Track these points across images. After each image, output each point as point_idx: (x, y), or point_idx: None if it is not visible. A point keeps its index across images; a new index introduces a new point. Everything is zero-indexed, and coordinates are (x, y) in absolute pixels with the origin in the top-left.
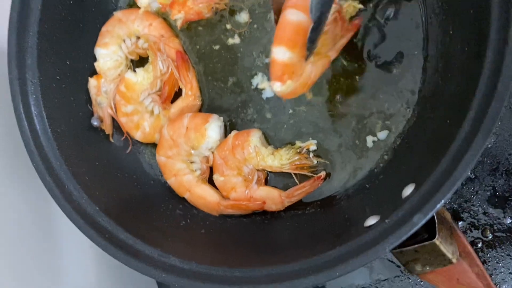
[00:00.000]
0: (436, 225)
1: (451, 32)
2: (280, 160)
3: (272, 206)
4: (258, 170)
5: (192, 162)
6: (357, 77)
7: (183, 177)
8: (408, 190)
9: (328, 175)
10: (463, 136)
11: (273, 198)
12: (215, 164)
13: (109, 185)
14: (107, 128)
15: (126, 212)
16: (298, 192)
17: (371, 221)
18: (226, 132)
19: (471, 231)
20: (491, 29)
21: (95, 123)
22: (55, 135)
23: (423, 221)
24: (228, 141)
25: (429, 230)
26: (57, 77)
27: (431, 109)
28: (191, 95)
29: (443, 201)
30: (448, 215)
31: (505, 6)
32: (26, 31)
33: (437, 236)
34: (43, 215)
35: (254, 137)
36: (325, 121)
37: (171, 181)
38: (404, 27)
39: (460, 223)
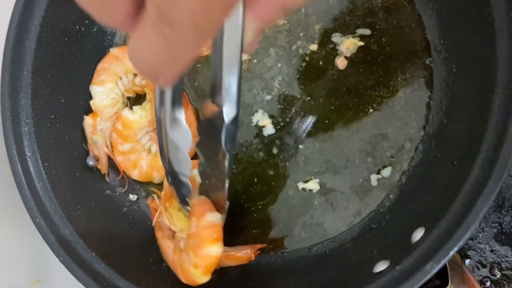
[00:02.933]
0: (448, 271)
1: (454, 70)
2: None
3: None
4: None
5: None
6: (361, 111)
7: None
8: (418, 235)
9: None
10: (473, 180)
11: None
12: None
13: (106, 228)
14: (103, 167)
15: (125, 259)
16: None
17: (381, 266)
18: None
19: (479, 270)
20: (498, 72)
21: (90, 162)
22: (49, 177)
23: (436, 269)
24: None
25: (440, 276)
26: (52, 116)
27: (437, 148)
28: None
29: (456, 248)
30: (458, 258)
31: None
32: (20, 70)
33: (449, 283)
34: (37, 260)
35: None
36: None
37: None
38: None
39: (467, 261)
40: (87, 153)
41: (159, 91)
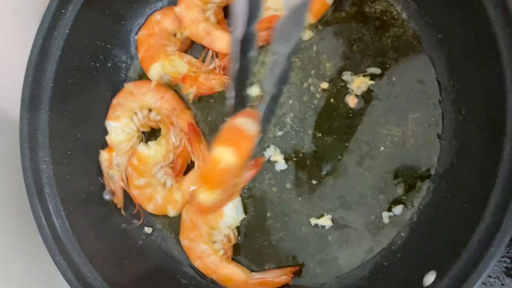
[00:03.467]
0: None
1: (463, 112)
2: None
3: None
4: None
5: (214, 242)
6: (373, 149)
7: (207, 258)
8: (429, 278)
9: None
10: (483, 228)
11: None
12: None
13: (123, 263)
14: (119, 201)
15: None
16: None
17: None
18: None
19: None
20: (507, 118)
21: (107, 197)
22: (67, 214)
23: None
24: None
25: None
26: (68, 152)
27: (447, 189)
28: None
29: None
30: None
31: None
32: (38, 109)
33: None
34: None
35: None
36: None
37: (197, 264)
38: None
39: None
40: (102, 187)
41: None
